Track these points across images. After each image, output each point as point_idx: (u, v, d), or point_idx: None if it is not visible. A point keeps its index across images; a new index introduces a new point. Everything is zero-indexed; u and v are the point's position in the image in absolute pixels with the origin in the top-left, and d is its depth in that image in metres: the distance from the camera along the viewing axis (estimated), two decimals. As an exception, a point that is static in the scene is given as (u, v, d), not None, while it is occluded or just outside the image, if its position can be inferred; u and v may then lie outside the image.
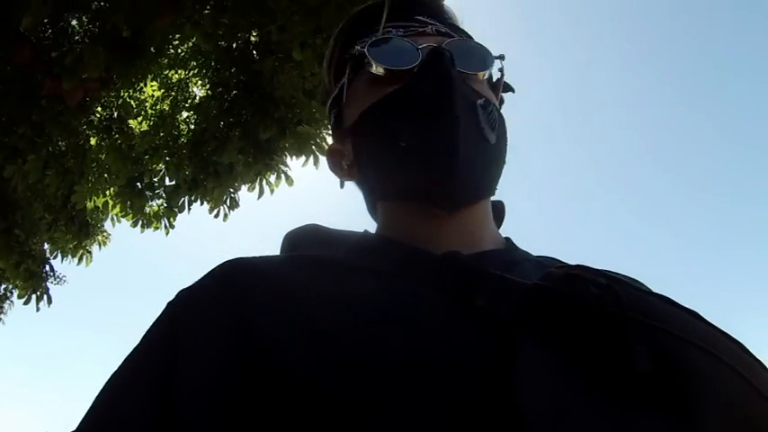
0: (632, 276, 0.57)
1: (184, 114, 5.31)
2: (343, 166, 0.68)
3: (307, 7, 3.81)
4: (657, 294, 0.50)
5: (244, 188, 4.96)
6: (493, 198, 0.65)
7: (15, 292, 5.97)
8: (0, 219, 5.22)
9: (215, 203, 4.98)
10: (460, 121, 0.56)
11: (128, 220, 5.35)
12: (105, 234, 5.90)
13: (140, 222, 5.33)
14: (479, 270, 0.49)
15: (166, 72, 5.30)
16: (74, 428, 0.46)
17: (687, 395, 0.41)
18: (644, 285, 0.56)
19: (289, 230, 0.68)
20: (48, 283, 5.69)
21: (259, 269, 0.54)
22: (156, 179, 5.18)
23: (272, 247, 0.68)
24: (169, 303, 0.53)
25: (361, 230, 0.65)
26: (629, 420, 0.40)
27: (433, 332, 0.45)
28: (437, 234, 0.58)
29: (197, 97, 5.33)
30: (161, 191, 5.20)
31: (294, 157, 4.70)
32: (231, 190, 5.01)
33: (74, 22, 4.74)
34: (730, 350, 0.46)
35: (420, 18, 0.66)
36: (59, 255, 5.68)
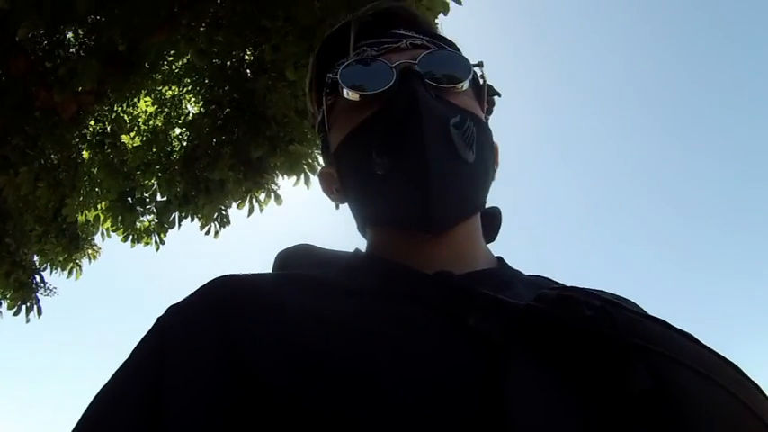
0: (627, 298, 0.57)
1: (177, 131, 5.34)
2: (333, 190, 0.69)
3: (301, 27, 3.81)
4: (653, 317, 0.48)
5: (234, 206, 4.96)
6: (489, 205, 0.65)
7: (5, 303, 5.94)
8: (-10, 229, 5.22)
9: (206, 220, 4.98)
10: (431, 149, 0.55)
11: (118, 235, 5.35)
12: (95, 248, 5.89)
13: (131, 237, 5.32)
14: (471, 290, 0.49)
15: (160, 88, 5.33)
16: None
17: (682, 417, 0.41)
18: (639, 307, 0.55)
19: (281, 250, 0.68)
20: (37, 294, 5.67)
21: (249, 287, 0.53)
22: (147, 195, 5.18)
23: (262, 266, 0.68)
24: (159, 319, 0.52)
25: (352, 250, 0.66)
26: None
27: (425, 353, 0.45)
28: (427, 255, 0.57)
29: (190, 114, 5.36)
30: (152, 206, 5.20)
31: (285, 177, 4.70)
32: (222, 207, 4.99)
33: (69, 35, 4.75)
34: (726, 373, 0.45)
35: (395, 32, 0.65)
36: (49, 267, 5.67)
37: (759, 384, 0.46)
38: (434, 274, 0.53)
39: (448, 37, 0.69)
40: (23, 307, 5.57)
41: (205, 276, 0.55)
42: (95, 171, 5.22)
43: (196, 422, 0.42)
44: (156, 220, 5.23)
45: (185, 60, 5.08)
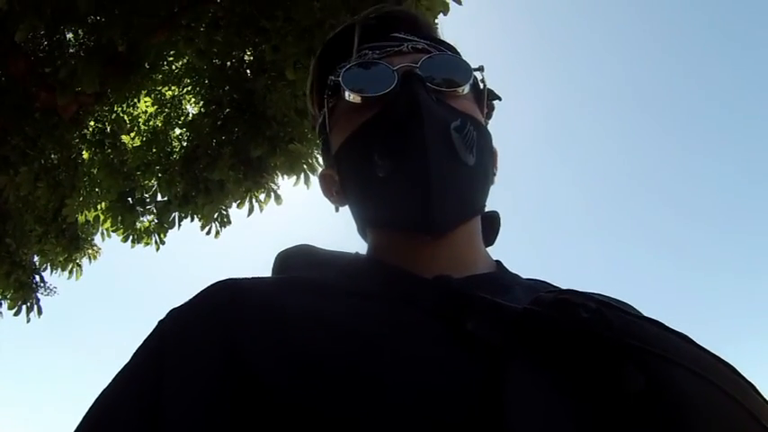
0: (623, 301, 0.57)
1: (177, 131, 5.34)
2: (333, 192, 0.69)
3: (300, 28, 3.82)
4: (649, 318, 0.48)
5: (234, 206, 4.96)
6: (488, 209, 0.65)
7: (5, 303, 5.94)
8: (-9, 229, 5.21)
9: (206, 220, 4.98)
10: (432, 151, 0.55)
11: (118, 235, 5.34)
12: (95, 248, 5.88)
13: (131, 237, 5.31)
14: (470, 294, 0.49)
15: (160, 88, 5.33)
16: None
17: (679, 418, 0.41)
18: (635, 309, 0.55)
19: (281, 250, 0.68)
20: (38, 294, 5.67)
21: (249, 290, 0.53)
22: (147, 195, 5.17)
23: (262, 266, 0.69)
24: (160, 322, 0.52)
25: (352, 251, 0.66)
26: None
27: (423, 356, 0.45)
28: (427, 258, 0.58)
29: (190, 114, 5.36)
30: (152, 206, 5.19)
31: (285, 177, 4.70)
32: (222, 207, 4.99)
33: (69, 36, 4.75)
34: (722, 373, 0.45)
35: (396, 35, 0.65)
36: (49, 267, 5.67)
37: (755, 384, 0.46)
38: (434, 278, 0.53)
39: (448, 40, 0.69)
40: (23, 307, 5.56)
41: (205, 276, 0.56)
42: (95, 171, 5.23)
43: (196, 423, 0.42)
44: (156, 221, 5.23)
45: (185, 60, 5.09)
